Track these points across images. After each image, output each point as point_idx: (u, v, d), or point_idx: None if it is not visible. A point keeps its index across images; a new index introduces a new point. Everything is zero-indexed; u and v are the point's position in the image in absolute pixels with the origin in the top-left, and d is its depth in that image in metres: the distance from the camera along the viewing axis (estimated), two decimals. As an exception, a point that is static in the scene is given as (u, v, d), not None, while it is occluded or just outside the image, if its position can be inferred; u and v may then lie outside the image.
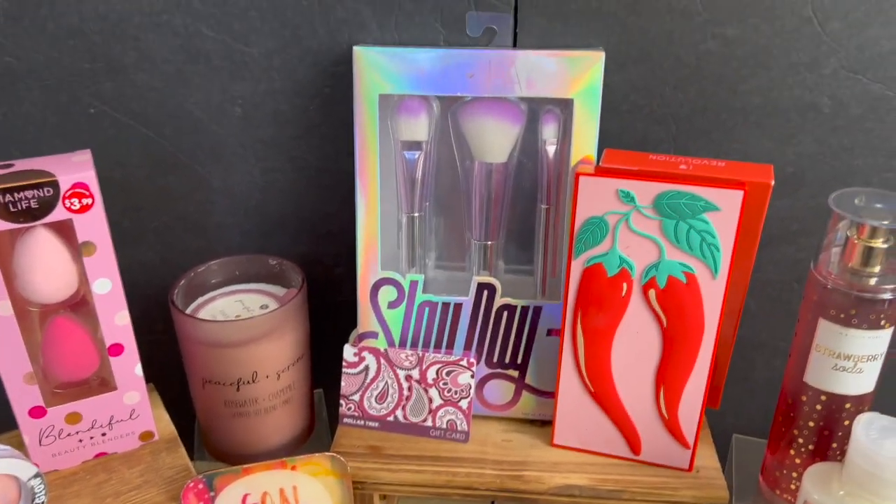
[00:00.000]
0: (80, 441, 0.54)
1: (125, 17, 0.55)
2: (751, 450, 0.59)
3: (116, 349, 0.52)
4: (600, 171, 0.48)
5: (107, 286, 0.50)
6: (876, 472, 0.42)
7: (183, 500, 0.50)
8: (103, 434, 0.54)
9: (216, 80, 0.57)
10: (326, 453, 0.53)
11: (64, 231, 0.48)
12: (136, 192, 0.61)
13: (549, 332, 0.56)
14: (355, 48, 0.51)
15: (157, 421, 0.57)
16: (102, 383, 0.54)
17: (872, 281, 0.46)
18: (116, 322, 0.51)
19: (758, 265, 0.59)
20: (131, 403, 0.54)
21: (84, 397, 0.52)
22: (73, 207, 0.47)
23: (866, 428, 0.43)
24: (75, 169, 0.47)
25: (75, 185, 0.46)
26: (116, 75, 0.57)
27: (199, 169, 0.60)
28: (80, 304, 0.52)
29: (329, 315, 0.65)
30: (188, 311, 0.57)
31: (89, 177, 0.47)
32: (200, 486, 0.51)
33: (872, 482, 0.42)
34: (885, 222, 0.45)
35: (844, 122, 0.54)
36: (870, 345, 0.47)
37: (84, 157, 0.49)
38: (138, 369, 0.53)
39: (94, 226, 0.48)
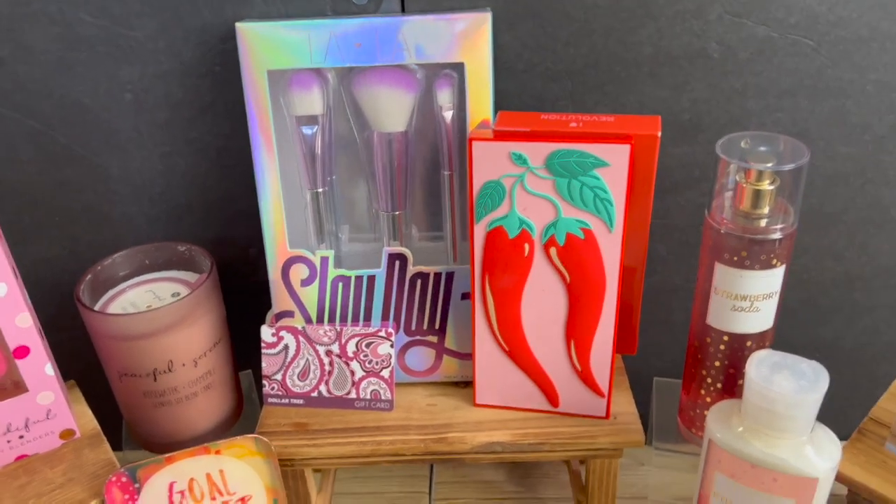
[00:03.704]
0: (-2, 446, 0.53)
1: (-5, 8, 0.52)
2: (671, 391, 0.61)
3: (22, 351, 0.51)
4: (493, 136, 0.48)
5: (2, 290, 0.48)
6: (769, 406, 0.44)
7: (106, 494, 0.50)
8: (21, 437, 0.53)
9: (101, 67, 0.55)
10: (249, 435, 0.53)
11: (-51, 237, 0.47)
12: (32, 188, 0.59)
13: (464, 296, 0.56)
14: (238, 24, 0.49)
15: (80, 417, 0.56)
16: (17, 386, 0.53)
17: (763, 223, 0.48)
18: (18, 324, 0.50)
19: (665, 211, 0.61)
20: (46, 404, 0.53)
21: (-5, 402, 0.52)
22: (-47, 213, 0.45)
23: (758, 365, 0.45)
24: (-49, 173, 0.45)
25: (-47, 190, 0.45)
26: (-5, 69, 0.55)
27: (95, 159, 0.58)
28: (-22, 310, 0.50)
29: (248, 296, 0.64)
30: (98, 305, 0.56)
31: (-33, 179, 0.45)
32: (123, 479, 0.51)
33: (767, 417, 0.44)
34: (769, 164, 0.46)
35: (734, 66, 0.54)
36: (764, 284, 0.49)
37: (-38, 159, 0.47)
38: (48, 369, 0.52)
39: (-21, 229, 0.46)
